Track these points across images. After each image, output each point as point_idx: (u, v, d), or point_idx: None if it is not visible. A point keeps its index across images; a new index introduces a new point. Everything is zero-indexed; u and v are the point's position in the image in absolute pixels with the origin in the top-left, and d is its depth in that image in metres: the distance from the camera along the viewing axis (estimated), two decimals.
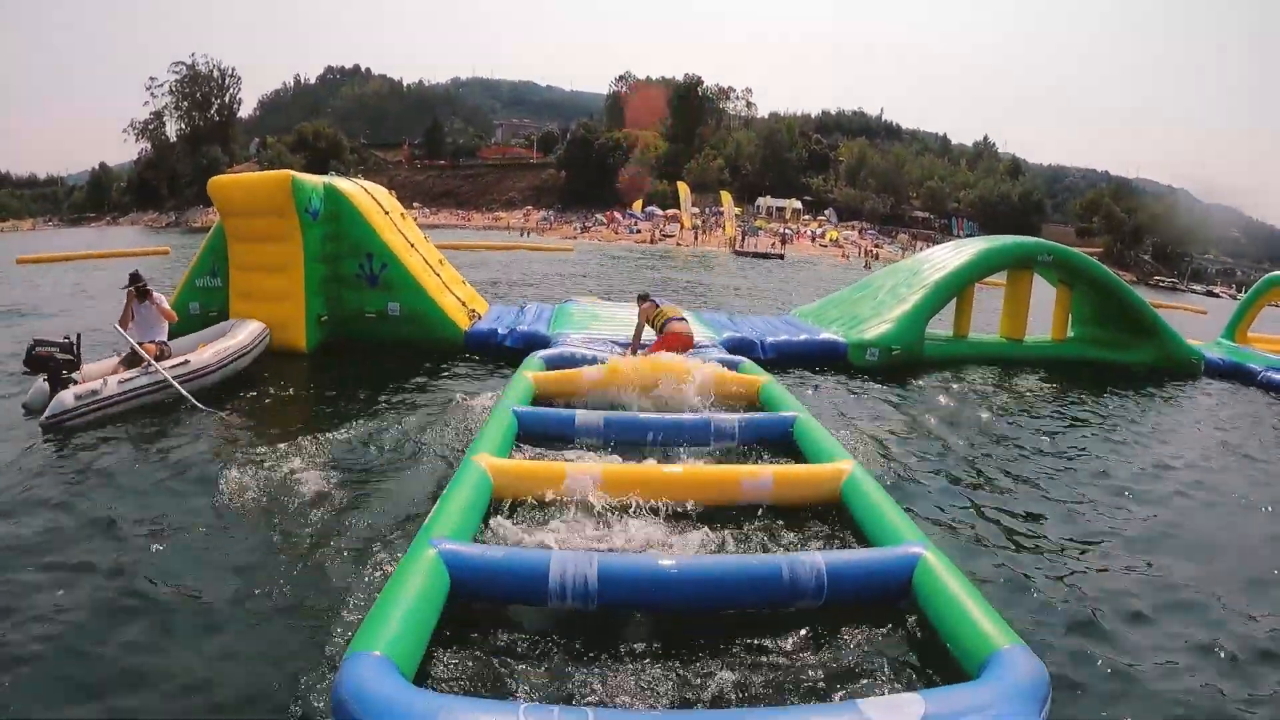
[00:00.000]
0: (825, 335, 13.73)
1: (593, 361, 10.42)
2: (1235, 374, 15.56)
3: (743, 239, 57.78)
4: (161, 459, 7.02)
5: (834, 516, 6.18)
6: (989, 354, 14.66)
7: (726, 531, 5.79)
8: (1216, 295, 71.49)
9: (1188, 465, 9.10)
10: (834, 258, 54.85)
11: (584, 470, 6.19)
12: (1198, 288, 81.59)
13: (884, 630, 4.62)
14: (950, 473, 8.03)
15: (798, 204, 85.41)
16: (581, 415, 7.78)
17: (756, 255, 50.03)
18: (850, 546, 5.69)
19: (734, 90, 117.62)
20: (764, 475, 6.25)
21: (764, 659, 4.30)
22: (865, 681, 4.14)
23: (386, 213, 12.81)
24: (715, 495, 6.20)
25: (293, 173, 11.30)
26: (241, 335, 9.97)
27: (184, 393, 8.34)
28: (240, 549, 5.37)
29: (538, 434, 7.61)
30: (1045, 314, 16.14)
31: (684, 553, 5.23)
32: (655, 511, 5.96)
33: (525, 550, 4.92)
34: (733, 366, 10.23)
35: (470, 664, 4.08)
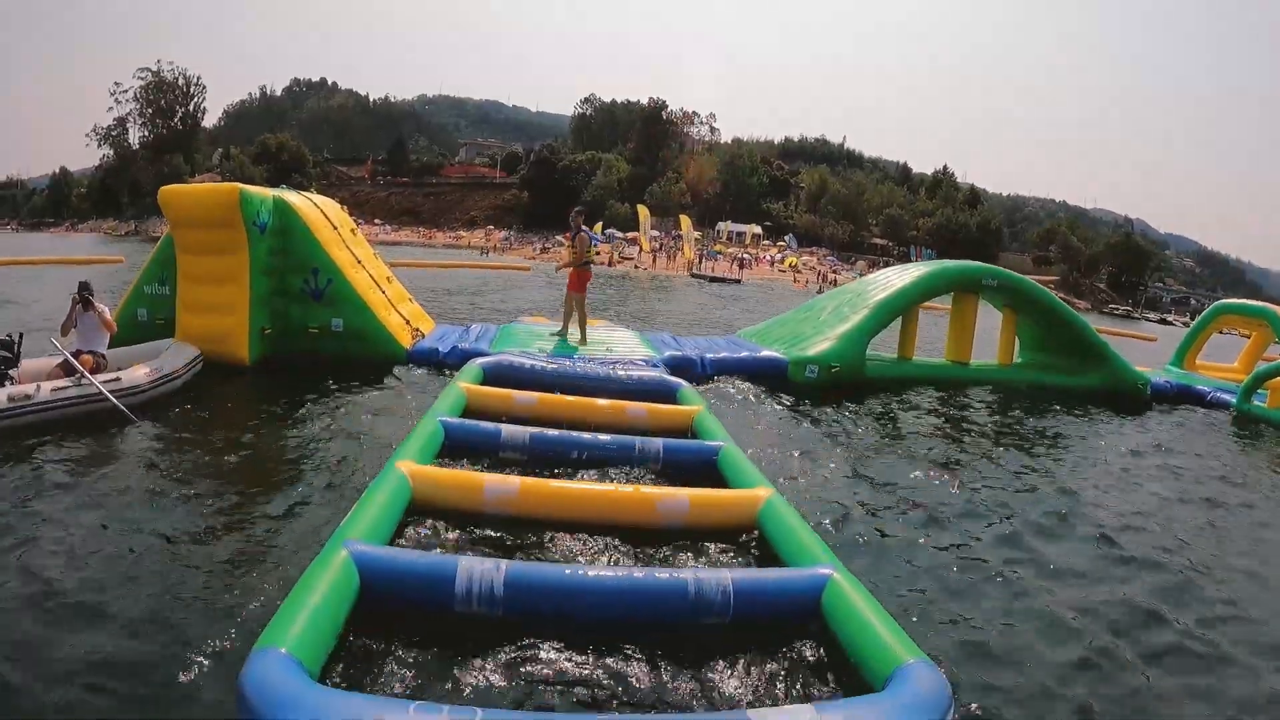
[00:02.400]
0: (766, 353, 13.61)
1: (532, 371, 10.28)
2: (1183, 397, 15.70)
3: (700, 262, 57.89)
4: (87, 465, 6.99)
5: (750, 541, 6.04)
6: (933, 376, 14.57)
7: (640, 550, 5.73)
8: (1170, 323, 72.51)
9: (1130, 485, 9.18)
10: (791, 283, 54.96)
11: (503, 482, 6.09)
12: (1151, 316, 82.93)
13: (792, 648, 4.54)
14: (876, 494, 7.93)
15: (758, 229, 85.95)
16: (508, 430, 7.60)
17: (714, 279, 50.03)
18: (758, 562, 5.68)
19: (698, 115, 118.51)
20: (680, 498, 6.12)
21: (667, 672, 4.23)
22: (768, 697, 4.11)
23: (335, 228, 12.62)
24: (631, 516, 6.05)
25: (241, 185, 11.15)
26: (176, 360, 9.90)
27: (117, 404, 8.30)
28: (157, 551, 5.40)
29: (463, 446, 7.46)
30: (993, 339, 16.15)
31: (597, 566, 5.16)
32: (571, 529, 5.90)
33: (434, 555, 4.90)
34: (671, 392, 10.07)
35: (374, 665, 4.09)
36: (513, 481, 6.09)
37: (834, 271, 65.08)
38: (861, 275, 63.36)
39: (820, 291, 45.18)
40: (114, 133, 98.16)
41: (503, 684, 4.01)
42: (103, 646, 4.20)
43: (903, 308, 14.36)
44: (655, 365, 11.77)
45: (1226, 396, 15.15)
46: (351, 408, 9.56)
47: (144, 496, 6.30)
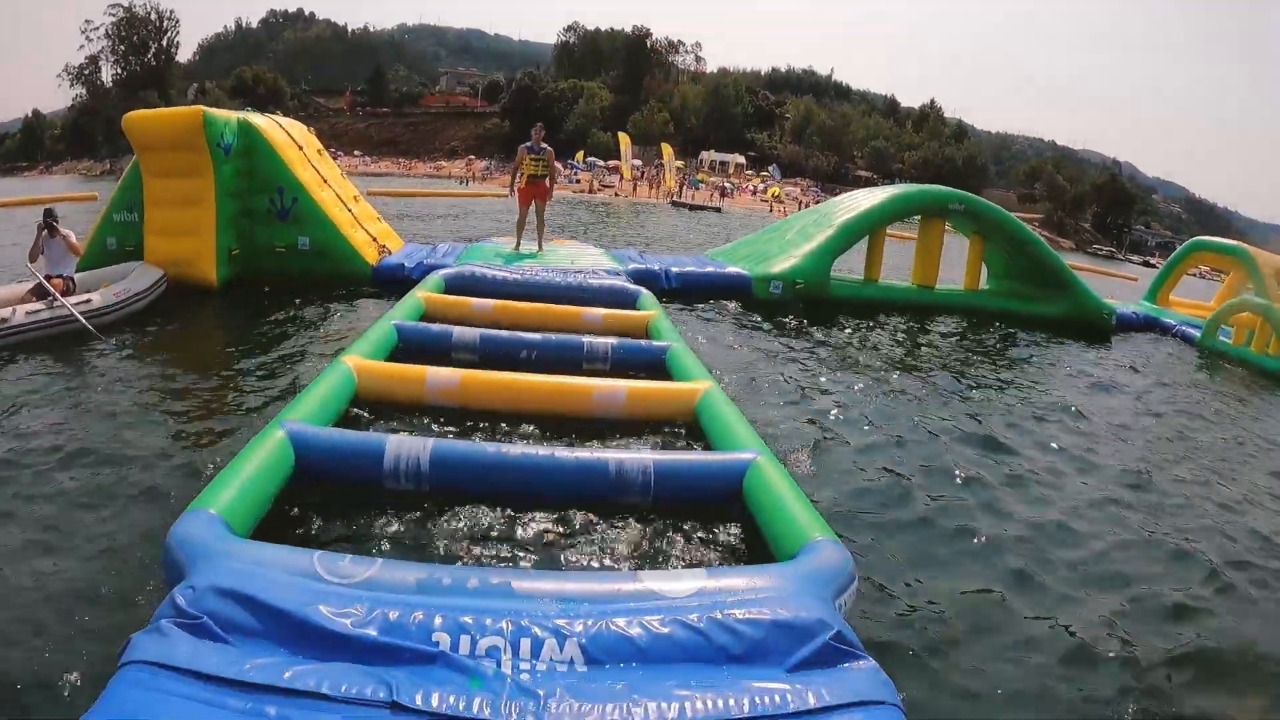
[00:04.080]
0: (731, 269, 13.73)
1: (493, 280, 10.37)
2: (1150, 327, 15.85)
3: (682, 191, 57.54)
4: (61, 380, 7.12)
5: (683, 431, 6.24)
6: (898, 299, 14.66)
7: (576, 441, 5.89)
8: (1153, 265, 72.31)
9: (1080, 409, 9.13)
10: (774, 213, 54.71)
11: (444, 375, 6.26)
12: (1135, 258, 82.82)
13: (710, 527, 4.72)
14: (820, 398, 8.12)
15: (741, 159, 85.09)
16: (459, 332, 7.78)
17: (694, 207, 49.61)
18: (692, 448, 5.86)
19: (683, 44, 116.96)
20: (618, 390, 6.31)
21: (576, 542, 4.44)
22: (674, 562, 4.33)
23: (300, 148, 12.58)
24: (568, 406, 6.25)
25: (204, 108, 11.07)
26: (142, 281, 10.06)
27: (87, 325, 8.54)
28: (126, 452, 5.51)
29: (416, 348, 7.61)
30: (960, 265, 16.15)
31: (522, 443, 5.38)
32: (510, 419, 6.10)
33: (365, 434, 5.08)
34: (632, 299, 10.19)
35: (302, 530, 4.34)
36: (453, 374, 6.26)
37: (816, 201, 64.58)
38: None
39: None
40: (86, 72, 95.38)
41: (417, 547, 4.22)
42: (55, 521, 4.48)
43: (868, 229, 14.43)
44: (618, 276, 11.87)
45: (1192, 331, 15.27)
46: (314, 323, 9.74)
47: (110, 406, 6.42)
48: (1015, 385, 9.90)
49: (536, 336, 7.83)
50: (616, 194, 55.40)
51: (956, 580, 4.75)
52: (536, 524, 4.53)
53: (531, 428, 5.99)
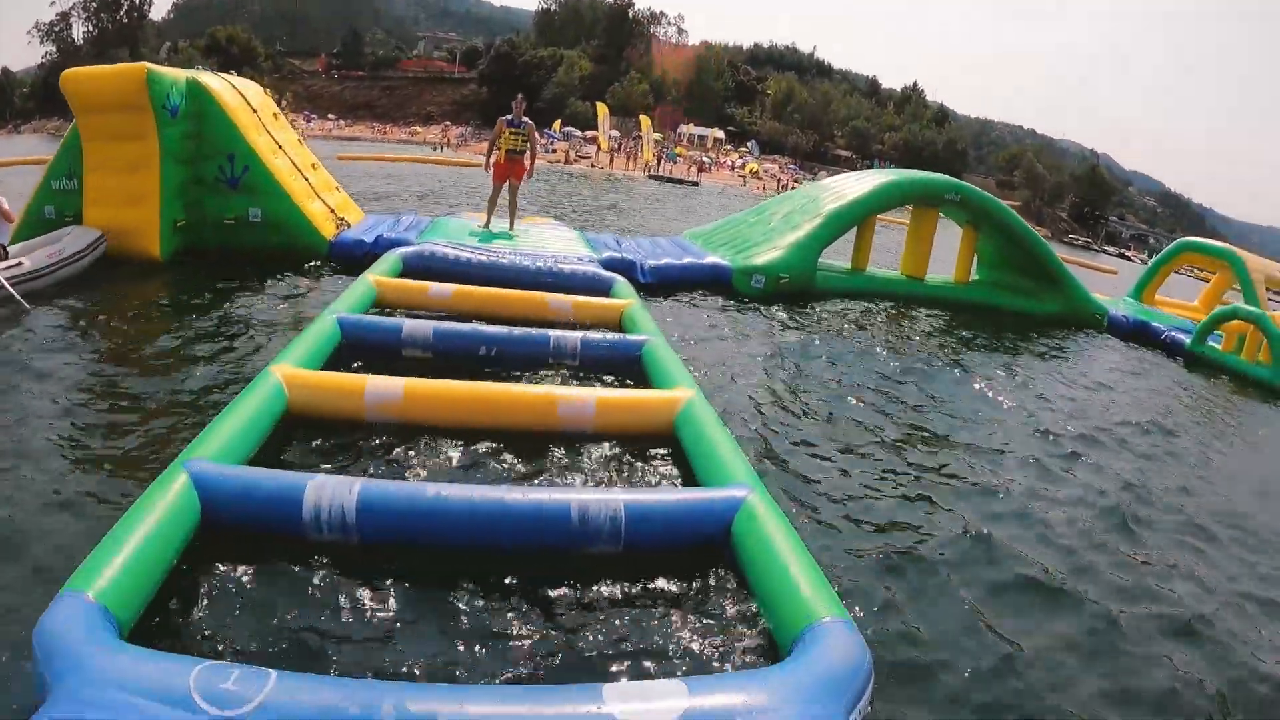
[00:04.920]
0: (710, 259, 12.86)
1: (455, 262, 9.56)
2: (1139, 333, 15.32)
3: (659, 164, 56.60)
4: None
5: (662, 453, 5.46)
6: (886, 290, 13.98)
7: (537, 462, 5.11)
8: (1128, 258, 72.62)
9: (1065, 427, 8.61)
10: (750, 189, 54.00)
11: (385, 386, 5.40)
12: (1110, 250, 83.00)
13: (689, 588, 3.95)
14: (810, 412, 7.36)
15: (720, 133, 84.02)
16: (410, 325, 6.93)
17: (671, 181, 48.88)
18: (674, 484, 5.05)
19: (665, 16, 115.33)
20: (586, 400, 5.51)
21: (530, 625, 3.60)
22: (646, 656, 3.46)
23: (255, 111, 11.60)
24: (528, 420, 5.47)
25: (149, 65, 10.09)
26: (78, 243, 9.30)
27: (13, 293, 7.86)
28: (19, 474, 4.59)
29: (362, 346, 6.79)
30: (950, 255, 15.62)
31: (466, 484, 4.43)
32: (462, 436, 5.27)
33: (282, 474, 4.17)
34: (605, 286, 9.44)
35: (204, 605, 3.50)
36: (396, 384, 5.42)
37: (795, 180, 63.97)
38: None
39: None
40: (56, 29, 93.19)
41: (337, 631, 3.41)
42: None
43: (858, 218, 13.67)
44: (594, 261, 11.05)
45: (1181, 336, 14.77)
46: (256, 306, 8.66)
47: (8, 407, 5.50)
48: (1023, 395, 9.24)
49: (497, 331, 6.99)
50: (593, 165, 54.44)
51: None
52: (479, 594, 3.73)
53: (486, 446, 5.18)
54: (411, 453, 5.08)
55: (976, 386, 9.17)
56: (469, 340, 6.87)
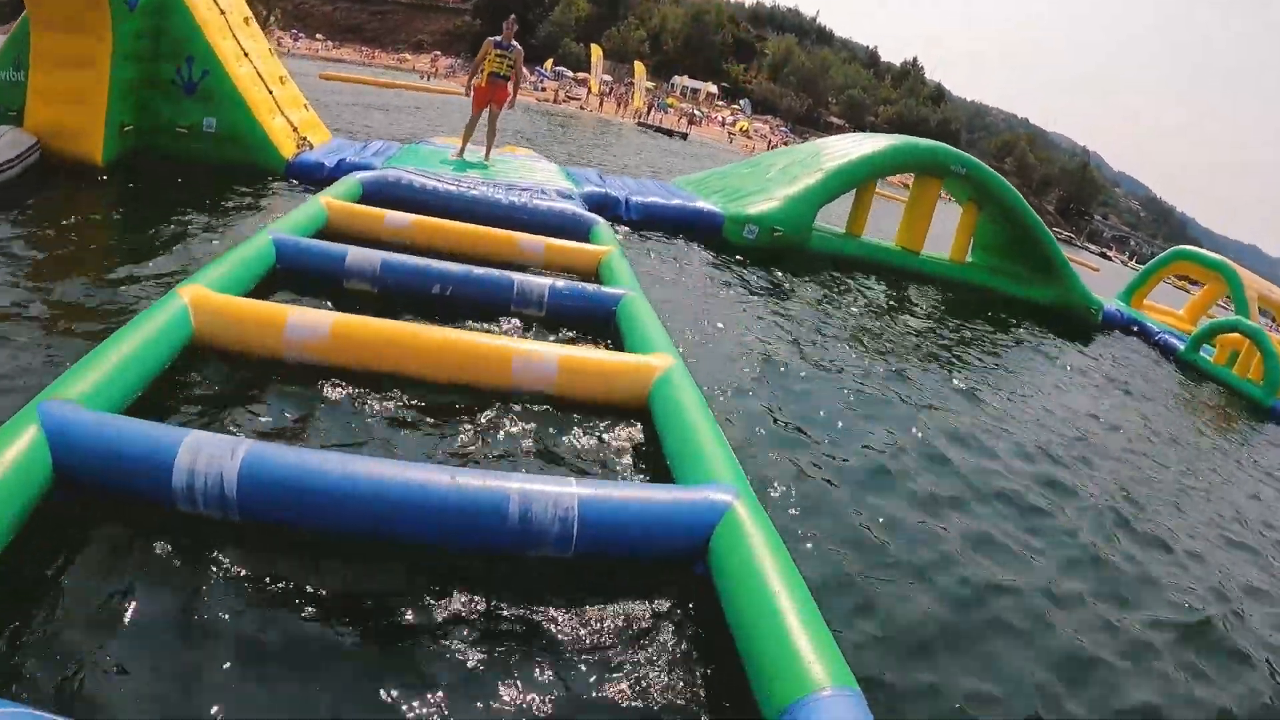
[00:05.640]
0: (701, 204, 11.86)
1: (420, 190, 8.61)
2: (1135, 330, 15.21)
3: (649, 112, 55.17)
4: None
5: (637, 429, 4.57)
6: (880, 260, 13.25)
7: (480, 429, 4.21)
8: (1109, 258, 72.77)
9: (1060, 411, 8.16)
10: (740, 147, 52.93)
11: (310, 321, 4.48)
12: (1092, 247, 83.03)
13: (655, 618, 3.07)
14: (798, 377, 6.61)
15: (714, 88, 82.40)
16: (355, 254, 5.93)
17: (660, 130, 47.56)
18: (641, 471, 4.18)
19: None
20: (546, 358, 4.62)
21: (451, 637, 2.78)
22: (592, 700, 2.64)
23: (224, 13, 10.45)
24: (476, 375, 4.56)
25: None
26: (10, 149, 8.25)
27: None
28: None
29: (297, 272, 5.85)
30: (947, 234, 14.95)
31: (383, 458, 3.50)
32: (395, 386, 4.37)
33: (153, 427, 3.19)
34: (584, 229, 8.51)
35: (36, 603, 2.61)
36: (323, 319, 4.51)
37: (785, 142, 62.98)
38: None
39: None
40: None
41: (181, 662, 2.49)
42: None
43: (860, 179, 12.80)
44: (571, 199, 10.02)
45: (1174, 341, 14.67)
46: (195, 224, 7.49)
47: None
48: (1014, 384, 8.67)
49: (454, 269, 6.01)
50: (582, 107, 52.91)
51: None
52: (385, 602, 2.86)
53: (420, 404, 4.28)
54: (326, 406, 4.15)
55: (978, 382, 8.41)
56: (421, 276, 5.92)
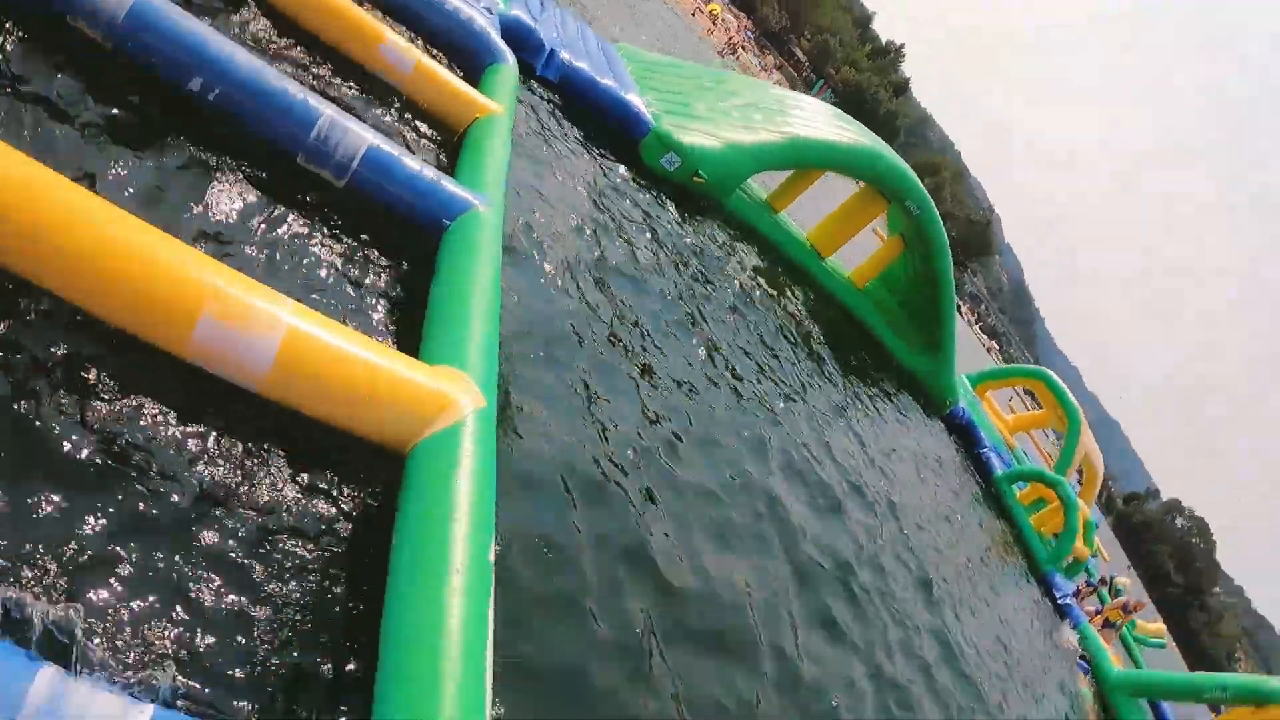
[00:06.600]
0: (633, 99, 9.43)
1: None
2: (965, 434, 14.87)
3: None
4: None
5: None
6: (784, 248, 11.82)
7: None
8: (960, 313, 74.53)
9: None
10: (701, 25, 49.96)
11: None
12: None
13: None
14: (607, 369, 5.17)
15: None
16: None
17: None
18: None
19: None
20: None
21: None
22: None
23: None
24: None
25: None
26: None
27: None
28: None
29: None
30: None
31: None
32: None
33: None
34: (481, 61, 6.28)
35: None
36: None
37: (742, 45, 61.02)
38: (762, 68, 59.74)
39: (723, 55, 41.39)
40: None
41: None
42: None
43: (815, 164, 11.23)
44: (488, 12, 7.48)
45: (995, 460, 14.78)
46: None
47: None
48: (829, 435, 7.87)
49: (238, 61, 3.64)
50: None
51: None
52: None
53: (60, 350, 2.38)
54: None
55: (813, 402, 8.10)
56: (182, 53, 3.52)
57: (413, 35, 5.92)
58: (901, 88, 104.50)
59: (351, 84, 4.58)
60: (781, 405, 7.24)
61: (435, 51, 6.10)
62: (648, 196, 8.51)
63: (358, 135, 3.77)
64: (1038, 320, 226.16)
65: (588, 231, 6.39)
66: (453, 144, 5.07)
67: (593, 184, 7.51)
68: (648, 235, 7.61)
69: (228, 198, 3.31)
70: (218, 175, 3.37)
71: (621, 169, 8.51)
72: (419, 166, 3.93)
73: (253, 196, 3.42)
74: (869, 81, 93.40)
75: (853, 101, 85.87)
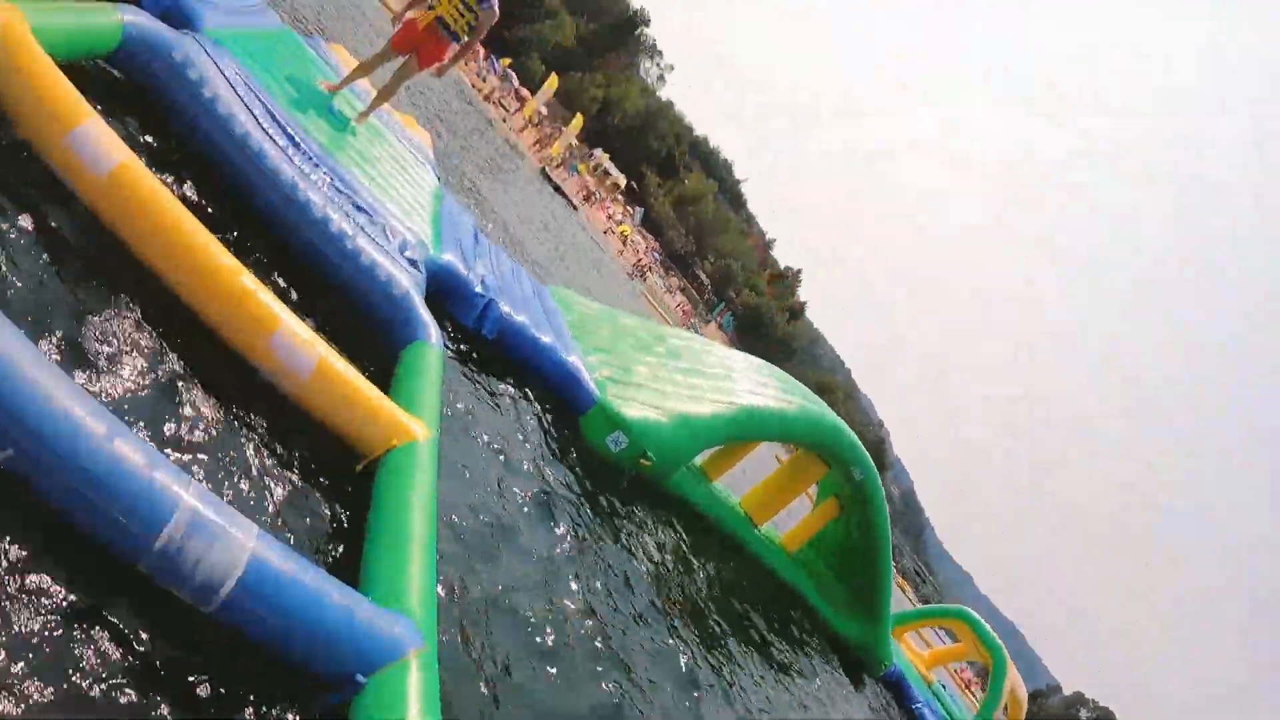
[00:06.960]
0: (576, 363, 8.09)
1: (203, 105, 4.86)
2: (896, 691, 14.49)
3: (559, 166, 52.02)
4: None
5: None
6: (717, 519, 10.67)
7: None
8: None
9: None
10: (612, 251, 51.48)
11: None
12: None
13: None
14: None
15: (623, 181, 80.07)
16: None
17: (557, 189, 44.56)
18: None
19: (660, 55, 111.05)
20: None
21: None
22: None
23: None
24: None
25: None
26: None
27: None
28: None
29: None
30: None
31: None
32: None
33: None
34: (400, 338, 5.16)
35: None
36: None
37: (650, 269, 62.91)
38: (666, 288, 61.67)
39: (633, 276, 41.94)
40: None
41: None
42: None
43: (763, 435, 10.41)
44: (414, 265, 6.08)
45: (928, 714, 14.80)
46: None
47: None
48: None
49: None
50: (504, 120, 49.12)
51: None
52: None
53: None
54: None
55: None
56: None
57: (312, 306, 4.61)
58: (797, 312, 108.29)
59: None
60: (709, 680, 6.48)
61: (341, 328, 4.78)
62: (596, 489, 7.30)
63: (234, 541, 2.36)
64: (928, 529, 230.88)
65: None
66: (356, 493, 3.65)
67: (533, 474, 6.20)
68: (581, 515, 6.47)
69: None
70: None
71: (556, 452, 7.16)
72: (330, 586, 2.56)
73: None
74: (764, 305, 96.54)
75: (751, 324, 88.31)
